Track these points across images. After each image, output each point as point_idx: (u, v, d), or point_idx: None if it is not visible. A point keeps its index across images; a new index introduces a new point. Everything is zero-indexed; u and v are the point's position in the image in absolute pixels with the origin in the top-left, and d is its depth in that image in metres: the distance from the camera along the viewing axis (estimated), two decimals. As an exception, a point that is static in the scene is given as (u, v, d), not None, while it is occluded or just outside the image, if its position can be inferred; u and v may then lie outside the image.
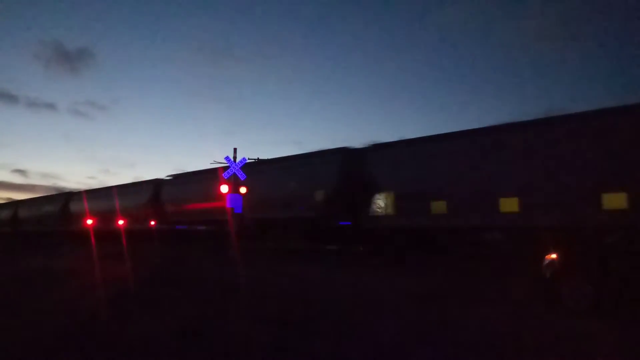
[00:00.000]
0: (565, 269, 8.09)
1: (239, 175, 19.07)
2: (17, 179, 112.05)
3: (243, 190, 19.09)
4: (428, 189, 14.24)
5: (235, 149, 20.19)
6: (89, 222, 26.82)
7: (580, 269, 7.98)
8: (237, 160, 19.60)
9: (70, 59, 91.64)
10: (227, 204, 18.66)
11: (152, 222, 25.92)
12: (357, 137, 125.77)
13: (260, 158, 21.96)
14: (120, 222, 26.36)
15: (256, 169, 20.55)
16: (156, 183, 27.53)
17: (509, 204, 12.28)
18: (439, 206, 13.85)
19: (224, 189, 18.77)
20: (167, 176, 27.20)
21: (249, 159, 20.49)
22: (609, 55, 64.16)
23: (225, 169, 19.68)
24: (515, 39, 70.10)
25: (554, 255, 8.32)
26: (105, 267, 14.30)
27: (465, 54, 71.19)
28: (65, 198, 35.99)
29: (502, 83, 72.63)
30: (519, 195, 12.15)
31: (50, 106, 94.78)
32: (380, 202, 15.51)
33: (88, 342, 5.96)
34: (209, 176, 21.66)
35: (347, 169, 16.78)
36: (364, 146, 17.57)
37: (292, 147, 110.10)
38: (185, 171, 27.36)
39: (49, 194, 45.00)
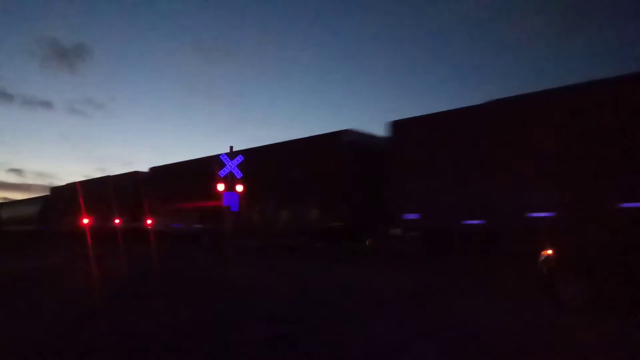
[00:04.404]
0: (560, 264, 8.03)
1: (235, 173, 18.96)
2: (13, 179, 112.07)
3: (239, 188, 18.97)
4: None
5: (231, 147, 20.08)
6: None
7: (575, 264, 7.93)
8: (234, 158, 19.48)
9: (66, 56, 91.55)
10: (223, 202, 18.57)
11: None
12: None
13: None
14: None
15: None
16: None
17: None
18: None
19: (221, 187, 18.68)
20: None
21: (245, 156, 20.34)
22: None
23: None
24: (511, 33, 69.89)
25: (549, 251, 8.26)
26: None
27: (464, 54, 71.02)
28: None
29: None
30: None
31: (46, 104, 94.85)
32: None
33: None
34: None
35: None
36: None
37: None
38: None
39: (46, 193, 40.28)
